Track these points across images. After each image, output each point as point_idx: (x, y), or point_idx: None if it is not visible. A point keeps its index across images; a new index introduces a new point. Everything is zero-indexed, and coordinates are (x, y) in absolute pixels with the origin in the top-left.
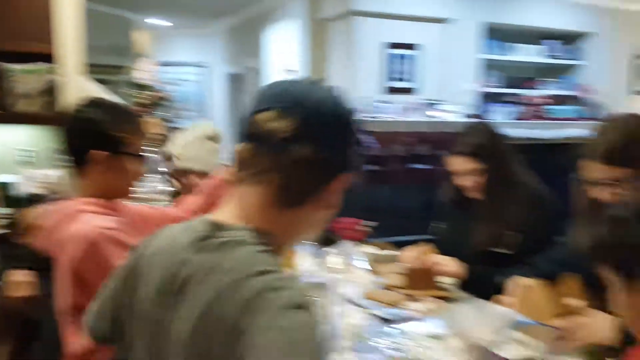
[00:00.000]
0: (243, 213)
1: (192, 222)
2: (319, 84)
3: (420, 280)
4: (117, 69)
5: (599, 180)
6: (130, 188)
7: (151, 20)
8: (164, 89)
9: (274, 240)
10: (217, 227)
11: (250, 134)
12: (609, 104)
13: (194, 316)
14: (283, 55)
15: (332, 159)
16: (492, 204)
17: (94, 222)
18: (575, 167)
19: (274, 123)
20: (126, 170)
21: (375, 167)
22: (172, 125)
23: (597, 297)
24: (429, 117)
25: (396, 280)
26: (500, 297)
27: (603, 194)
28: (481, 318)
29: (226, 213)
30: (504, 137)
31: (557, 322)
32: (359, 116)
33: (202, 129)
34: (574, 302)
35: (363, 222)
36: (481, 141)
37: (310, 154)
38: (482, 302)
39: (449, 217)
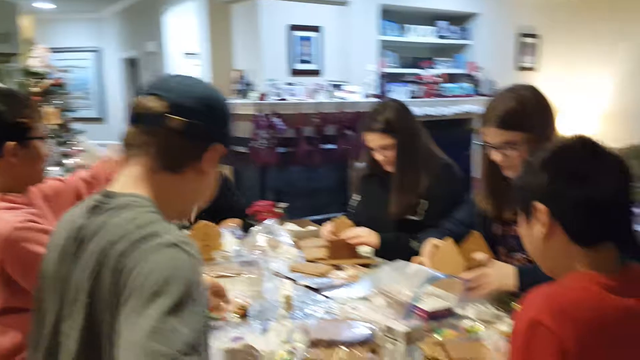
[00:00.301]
0: (131, 182)
1: (90, 196)
2: (196, 78)
3: (340, 251)
4: (6, 56)
5: (494, 144)
6: (42, 172)
7: (38, 4)
8: (56, 76)
9: (163, 205)
10: (109, 195)
11: (132, 116)
12: (497, 80)
13: (88, 267)
14: (183, 39)
15: (201, 130)
16: (404, 176)
17: (5, 219)
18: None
19: (150, 103)
20: (36, 155)
21: (287, 149)
22: (68, 112)
23: (495, 249)
24: (334, 98)
25: (318, 253)
26: (416, 257)
27: (497, 156)
28: (400, 277)
29: (116, 184)
30: (412, 112)
31: (466, 275)
32: (229, 102)
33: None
34: (480, 255)
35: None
36: (391, 117)
37: (180, 125)
38: (400, 263)
39: (365, 190)
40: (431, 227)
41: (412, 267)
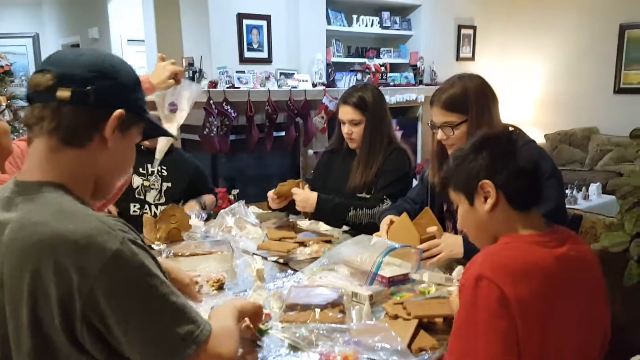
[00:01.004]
0: (36, 167)
1: (5, 185)
2: (94, 50)
3: (285, 189)
4: None
5: (438, 123)
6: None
7: None
8: (3, 63)
9: (78, 187)
10: (19, 185)
11: (26, 96)
12: (438, 70)
13: (5, 259)
14: (128, 25)
15: (93, 98)
16: (368, 154)
17: None
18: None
19: (39, 79)
20: None
21: (238, 137)
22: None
23: (443, 224)
24: (284, 86)
25: (281, 232)
26: (376, 233)
27: (440, 134)
28: (362, 249)
29: (26, 172)
30: (385, 100)
31: (421, 245)
32: (129, 68)
33: None
34: (432, 228)
35: (230, 190)
36: (367, 97)
37: (69, 95)
38: (361, 237)
39: (327, 165)
40: (374, 198)
41: (372, 240)
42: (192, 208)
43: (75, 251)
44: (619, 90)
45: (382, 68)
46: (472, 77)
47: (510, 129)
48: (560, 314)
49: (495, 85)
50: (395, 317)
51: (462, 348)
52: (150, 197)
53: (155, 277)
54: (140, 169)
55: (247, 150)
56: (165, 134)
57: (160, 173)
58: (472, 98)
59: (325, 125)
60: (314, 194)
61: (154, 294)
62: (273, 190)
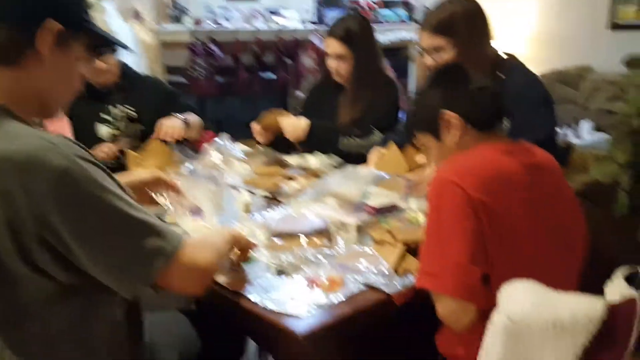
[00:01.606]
0: None
1: None
2: None
3: (269, 119)
4: None
5: (425, 47)
6: None
7: None
8: None
9: (19, 107)
10: None
11: None
12: (431, 8)
13: None
14: None
15: (15, 10)
16: (357, 90)
17: None
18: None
19: None
20: None
21: (225, 79)
22: None
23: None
24: (272, 25)
25: (264, 170)
26: (364, 165)
27: (429, 59)
28: (349, 181)
29: None
30: (373, 30)
31: (409, 175)
32: None
33: None
34: (420, 159)
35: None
36: (353, 28)
37: None
38: (348, 168)
39: (315, 100)
40: (366, 132)
41: (359, 171)
42: (173, 124)
43: (20, 172)
44: (613, 27)
45: (374, 5)
46: (464, 1)
47: (505, 56)
48: (530, 223)
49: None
50: (382, 242)
51: (432, 254)
52: (126, 145)
53: (109, 193)
54: (102, 114)
55: (235, 93)
56: (119, 43)
57: (128, 116)
58: (461, 21)
59: (316, 66)
60: (304, 120)
61: (110, 210)
62: (257, 122)
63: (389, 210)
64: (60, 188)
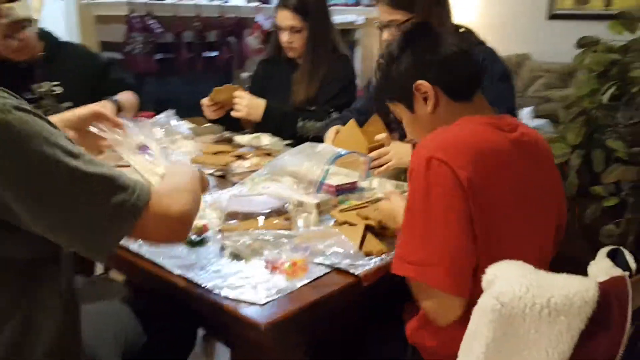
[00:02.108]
0: None
1: None
2: None
3: (223, 93)
4: None
5: (383, 22)
6: None
7: None
8: None
9: None
10: None
11: None
12: None
13: None
14: None
15: None
16: (313, 65)
17: None
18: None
19: None
20: None
21: (166, 56)
22: None
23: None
24: (215, 1)
25: (217, 147)
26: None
27: (388, 34)
28: (306, 158)
29: None
30: (326, 2)
31: (370, 154)
32: None
33: None
34: (380, 136)
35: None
36: None
37: None
38: (304, 146)
39: (265, 76)
40: (321, 111)
41: (316, 147)
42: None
43: None
44: (552, 16)
45: None
46: None
47: (461, 30)
48: (515, 200)
49: None
50: (344, 223)
51: (419, 240)
52: None
53: (58, 148)
54: (28, 95)
55: (176, 72)
56: None
57: (52, 92)
58: None
59: (261, 46)
60: (262, 100)
61: (64, 169)
62: (208, 97)
63: (349, 189)
64: (2, 148)
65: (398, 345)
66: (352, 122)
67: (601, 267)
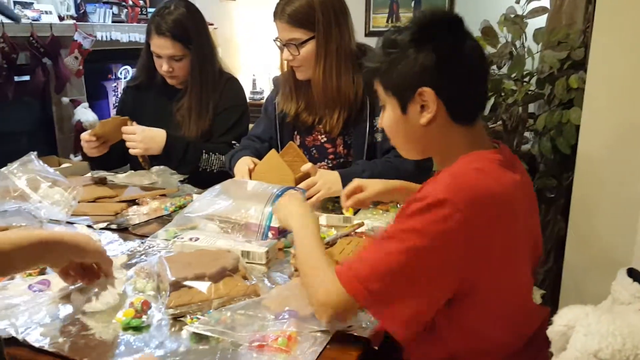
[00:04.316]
0: None
1: None
2: None
3: (112, 128)
4: None
5: (282, 40)
6: None
7: None
8: None
9: None
10: None
11: None
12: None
13: None
14: None
15: None
16: (200, 99)
17: None
18: None
19: None
20: None
21: None
22: None
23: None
24: (24, 19)
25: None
26: (235, 180)
27: (286, 54)
28: (238, 198)
29: None
30: (204, 18)
31: (300, 185)
32: None
33: None
34: (306, 166)
35: None
36: (183, 20)
37: None
38: (228, 182)
39: (137, 106)
40: (222, 144)
41: (245, 185)
42: None
43: None
44: (369, 34)
45: (141, 2)
46: None
47: (363, 49)
48: (515, 237)
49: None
50: None
51: (395, 272)
52: None
53: None
54: None
55: None
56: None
57: None
58: (319, 11)
59: (81, 67)
60: (161, 131)
61: None
62: (89, 132)
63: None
64: None
65: None
66: (273, 153)
67: (631, 292)
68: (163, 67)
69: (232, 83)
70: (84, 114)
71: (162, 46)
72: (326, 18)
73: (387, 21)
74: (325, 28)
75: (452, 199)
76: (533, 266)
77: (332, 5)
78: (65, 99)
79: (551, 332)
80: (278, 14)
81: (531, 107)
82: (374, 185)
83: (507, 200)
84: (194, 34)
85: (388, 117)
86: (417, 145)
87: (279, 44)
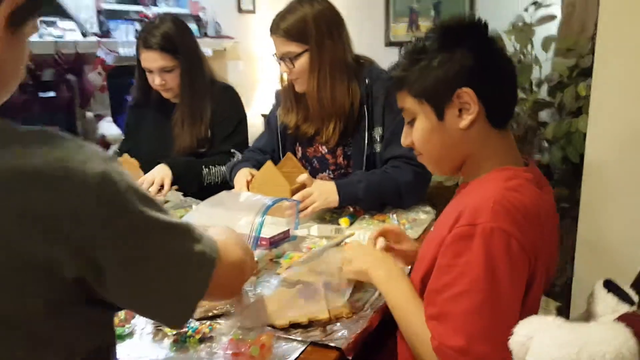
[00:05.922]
0: None
1: None
2: None
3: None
4: None
5: (278, 54)
6: None
7: None
8: None
9: None
10: None
11: None
12: (222, 22)
13: None
14: None
15: None
16: (193, 105)
17: None
18: None
19: None
20: None
21: None
22: None
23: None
24: (49, 37)
25: None
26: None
27: (284, 68)
28: (230, 209)
29: None
30: (190, 29)
31: (296, 196)
32: None
33: None
34: (301, 177)
35: None
36: (171, 32)
37: None
38: (222, 195)
39: (138, 124)
40: (220, 153)
41: (238, 197)
42: None
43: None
44: (388, 44)
45: None
46: (314, 1)
47: (362, 61)
48: (547, 253)
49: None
50: (297, 283)
51: (480, 318)
52: None
53: (149, 199)
54: None
55: (9, 115)
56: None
57: None
58: (312, 25)
59: (105, 82)
60: (162, 166)
61: (153, 221)
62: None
63: (282, 239)
64: (104, 202)
65: None
66: (269, 164)
67: (606, 304)
68: (155, 80)
69: (230, 92)
70: (108, 128)
71: (151, 59)
72: (319, 31)
73: (407, 31)
74: (318, 41)
75: (502, 226)
76: (545, 288)
77: (325, 18)
78: (90, 114)
79: (512, 342)
80: (273, 29)
81: (544, 116)
82: (413, 244)
83: (540, 221)
84: (180, 43)
85: (421, 129)
86: (452, 152)
87: (276, 58)
